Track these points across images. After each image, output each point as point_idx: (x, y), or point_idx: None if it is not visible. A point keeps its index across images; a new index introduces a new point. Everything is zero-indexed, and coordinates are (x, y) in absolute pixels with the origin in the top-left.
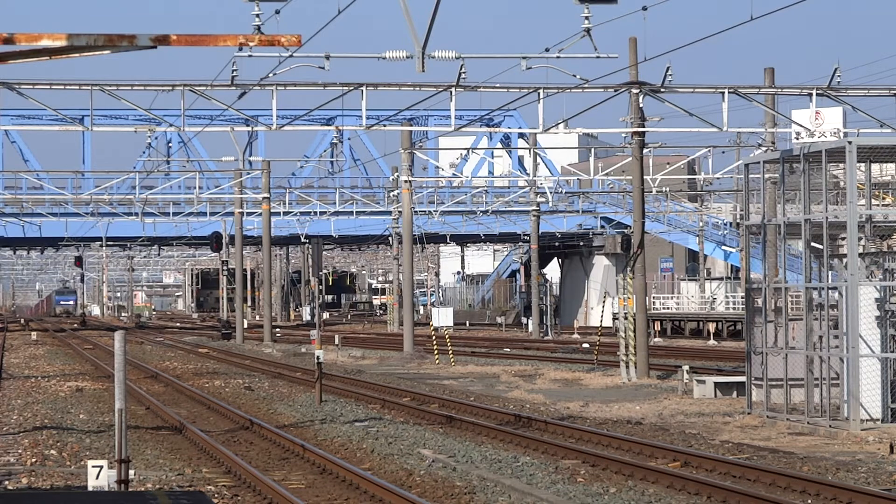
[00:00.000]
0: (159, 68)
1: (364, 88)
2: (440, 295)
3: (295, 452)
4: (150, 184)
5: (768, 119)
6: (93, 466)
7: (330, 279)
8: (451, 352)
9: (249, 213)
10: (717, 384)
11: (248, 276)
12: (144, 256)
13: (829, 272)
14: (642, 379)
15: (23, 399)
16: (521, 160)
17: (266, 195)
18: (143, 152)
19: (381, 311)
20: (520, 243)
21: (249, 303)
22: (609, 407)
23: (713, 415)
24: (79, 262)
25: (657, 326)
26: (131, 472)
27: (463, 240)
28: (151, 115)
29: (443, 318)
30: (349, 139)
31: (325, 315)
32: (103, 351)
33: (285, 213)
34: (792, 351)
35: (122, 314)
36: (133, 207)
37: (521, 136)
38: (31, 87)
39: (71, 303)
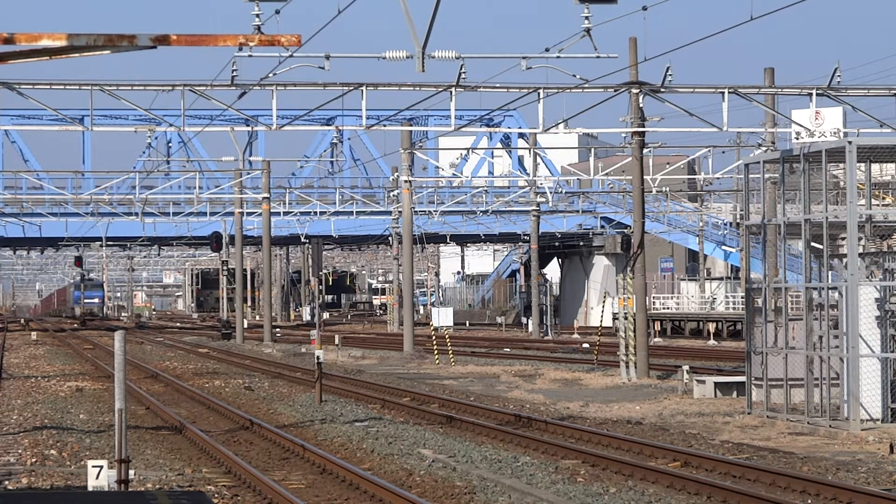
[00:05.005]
0: (159, 68)
1: (364, 88)
2: (440, 295)
3: (295, 452)
4: (150, 184)
5: (768, 119)
6: (93, 466)
7: (330, 279)
8: (451, 352)
9: (249, 213)
10: (717, 384)
11: (248, 276)
12: (144, 256)
13: (829, 272)
14: (642, 379)
15: (23, 399)
16: (521, 160)
17: (266, 195)
18: (143, 152)
19: (381, 311)
20: (520, 243)
21: (249, 303)
22: (609, 407)
23: (713, 415)
24: (79, 262)
25: (657, 326)
26: (131, 472)
27: (463, 240)
28: (151, 115)
29: (443, 318)
30: (349, 139)
31: (325, 315)
32: (103, 351)
33: (285, 213)
34: (792, 351)
35: (123, 314)
36: (133, 207)
37: (521, 136)
38: (31, 87)
39: (97, 300)
